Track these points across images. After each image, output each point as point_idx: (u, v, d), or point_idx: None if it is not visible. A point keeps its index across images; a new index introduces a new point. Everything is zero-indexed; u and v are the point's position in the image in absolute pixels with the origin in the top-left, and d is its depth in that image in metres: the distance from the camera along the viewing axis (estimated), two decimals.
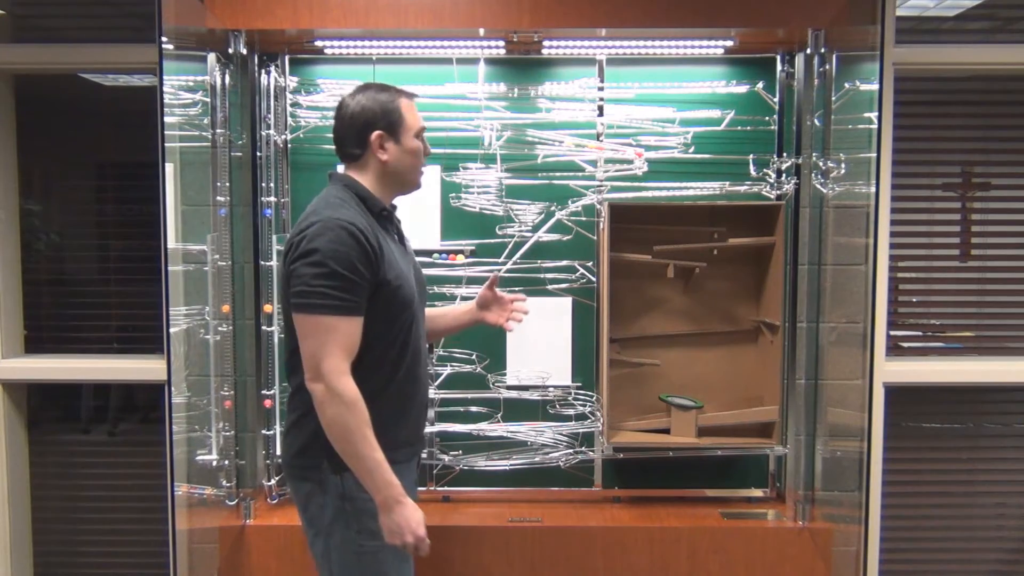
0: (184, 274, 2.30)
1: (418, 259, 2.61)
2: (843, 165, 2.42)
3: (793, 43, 2.61)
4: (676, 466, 2.75)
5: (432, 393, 2.68)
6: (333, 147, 1.87)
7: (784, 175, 2.65)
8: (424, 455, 2.70)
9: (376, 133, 1.80)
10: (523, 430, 2.71)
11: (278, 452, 2.62)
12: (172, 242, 2.18)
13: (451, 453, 2.73)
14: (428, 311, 2.08)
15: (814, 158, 2.60)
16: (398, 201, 1.94)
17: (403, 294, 1.76)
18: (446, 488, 2.75)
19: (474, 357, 2.71)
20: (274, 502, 2.69)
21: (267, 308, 2.62)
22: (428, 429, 2.69)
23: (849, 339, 2.38)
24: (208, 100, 2.44)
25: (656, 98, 2.69)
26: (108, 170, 2.81)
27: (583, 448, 2.73)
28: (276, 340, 2.66)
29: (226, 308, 2.51)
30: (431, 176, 2.67)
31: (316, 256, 1.65)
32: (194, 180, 2.39)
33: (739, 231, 2.67)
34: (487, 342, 2.72)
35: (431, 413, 2.69)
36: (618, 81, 2.69)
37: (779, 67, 2.67)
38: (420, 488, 2.70)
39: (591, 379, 2.74)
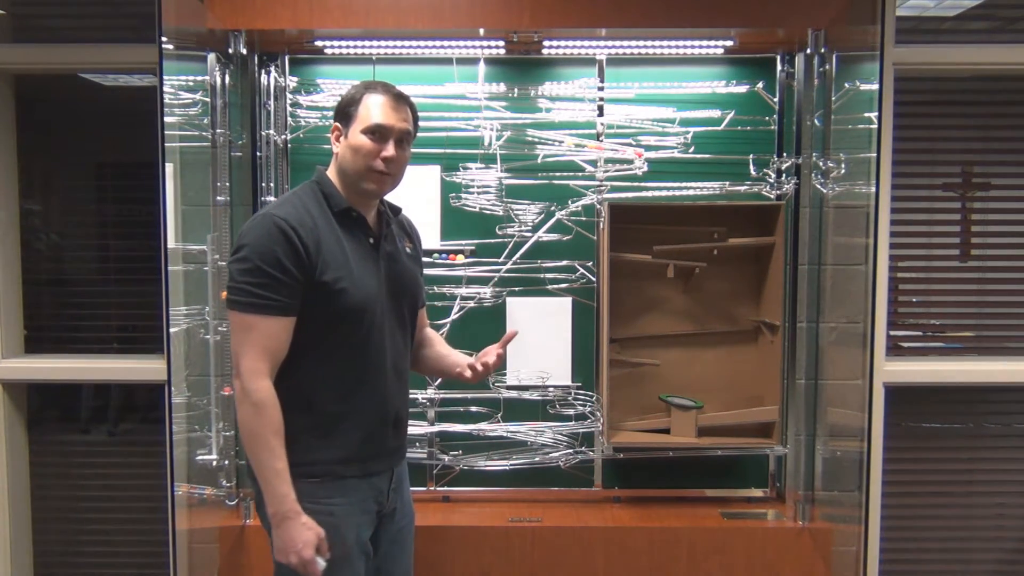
0: (184, 274, 2.30)
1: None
2: (843, 165, 2.42)
3: (793, 43, 2.61)
4: (676, 466, 2.75)
5: (432, 393, 2.68)
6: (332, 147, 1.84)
7: (784, 175, 2.65)
8: (424, 455, 2.70)
9: (334, 124, 1.76)
10: (523, 430, 2.71)
11: None
12: (172, 242, 2.18)
13: (451, 453, 2.73)
14: (438, 348, 2.00)
15: (814, 158, 2.60)
16: (400, 203, 1.91)
17: (347, 299, 1.66)
18: (446, 488, 2.75)
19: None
20: None
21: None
22: (428, 429, 2.69)
23: (849, 339, 2.38)
24: (208, 100, 2.44)
25: (656, 98, 2.69)
26: (108, 170, 2.81)
27: (583, 448, 2.73)
28: None
29: (225, 295, 2.51)
30: (431, 176, 2.67)
31: (243, 252, 1.61)
32: (194, 180, 2.39)
33: (739, 231, 2.67)
34: (487, 342, 2.71)
35: (431, 413, 2.69)
36: (618, 81, 2.69)
37: (779, 67, 2.67)
38: (420, 488, 2.71)
39: (591, 379, 2.74)
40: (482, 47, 2.62)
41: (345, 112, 1.73)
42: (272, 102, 2.65)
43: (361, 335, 1.70)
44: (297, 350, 1.66)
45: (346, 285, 1.66)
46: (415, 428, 2.63)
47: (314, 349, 1.68)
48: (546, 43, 2.61)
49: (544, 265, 2.70)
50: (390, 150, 1.71)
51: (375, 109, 1.70)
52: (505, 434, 2.71)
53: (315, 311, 1.66)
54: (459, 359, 1.97)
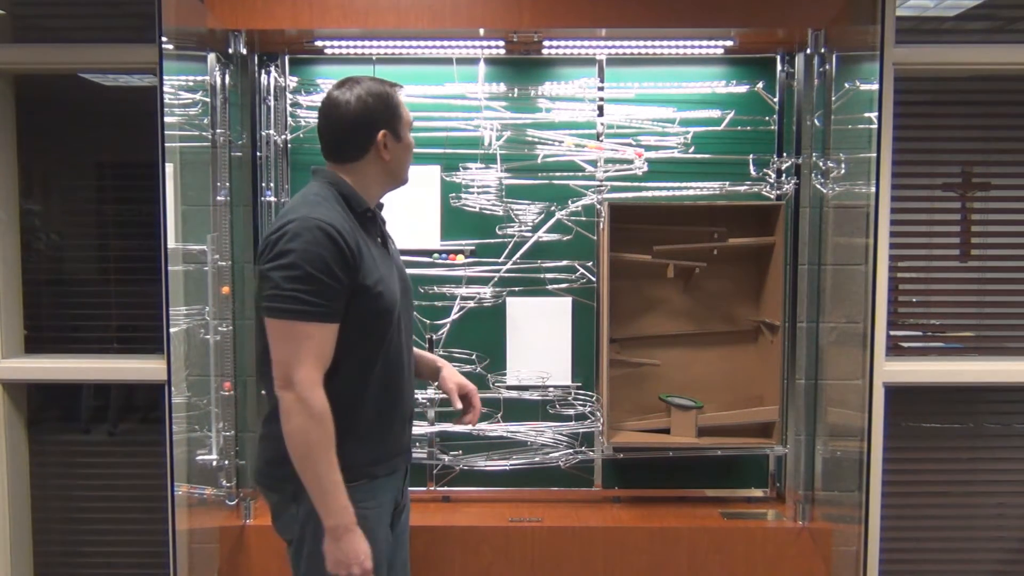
0: (184, 274, 2.30)
1: (418, 259, 2.60)
2: (843, 165, 2.42)
3: (793, 43, 2.61)
4: (676, 466, 2.75)
5: (432, 393, 2.68)
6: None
7: (784, 175, 2.65)
8: (424, 455, 2.70)
9: (382, 132, 1.69)
10: (523, 430, 2.71)
11: None
12: (172, 242, 2.18)
13: (451, 453, 2.73)
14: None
15: (814, 158, 2.60)
16: (386, 198, 1.84)
17: (384, 301, 1.66)
18: (446, 488, 2.75)
19: (474, 357, 2.71)
20: None
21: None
22: (428, 429, 2.69)
23: (849, 339, 2.38)
24: (208, 100, 2.44)
25: (656, 98, 2.69)
26: (108, 170, 2.81)
27: (583, 448, 2.73)
28: None
29: (226, 290, 2.51)
30: (431, 176, 2.67)
31: (290, 258, 1.55)
32: (194, 180, 2.39)
33: (739, 231, 2.67)
34: (487, 342, 2.72)
35: (431, 413, 2.69)
36: (618, 81, 2.69)
37: (779, 67, 2.67)
38: (420, 488, 2.71)
39: (591, 379, 2.74)
40: (482, 47, 2.62)
41: (394, 115, 1.71)
42: (272, 102, 2.65)
43: (389, 335, 1.70)
44: (337, 355, 1.64)
45: (382, 288, 1.66)
46: (415, 428, 2.63)
47: (349, 352, 1.65)
48: (546, 43, 2.61)
49: (544, 265, 2.70)
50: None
51: (404, 105, 1.75)
52: (505, 434, 2.71)
53: (353, 314, 1.63)
54: (430, 362, 1.98)
